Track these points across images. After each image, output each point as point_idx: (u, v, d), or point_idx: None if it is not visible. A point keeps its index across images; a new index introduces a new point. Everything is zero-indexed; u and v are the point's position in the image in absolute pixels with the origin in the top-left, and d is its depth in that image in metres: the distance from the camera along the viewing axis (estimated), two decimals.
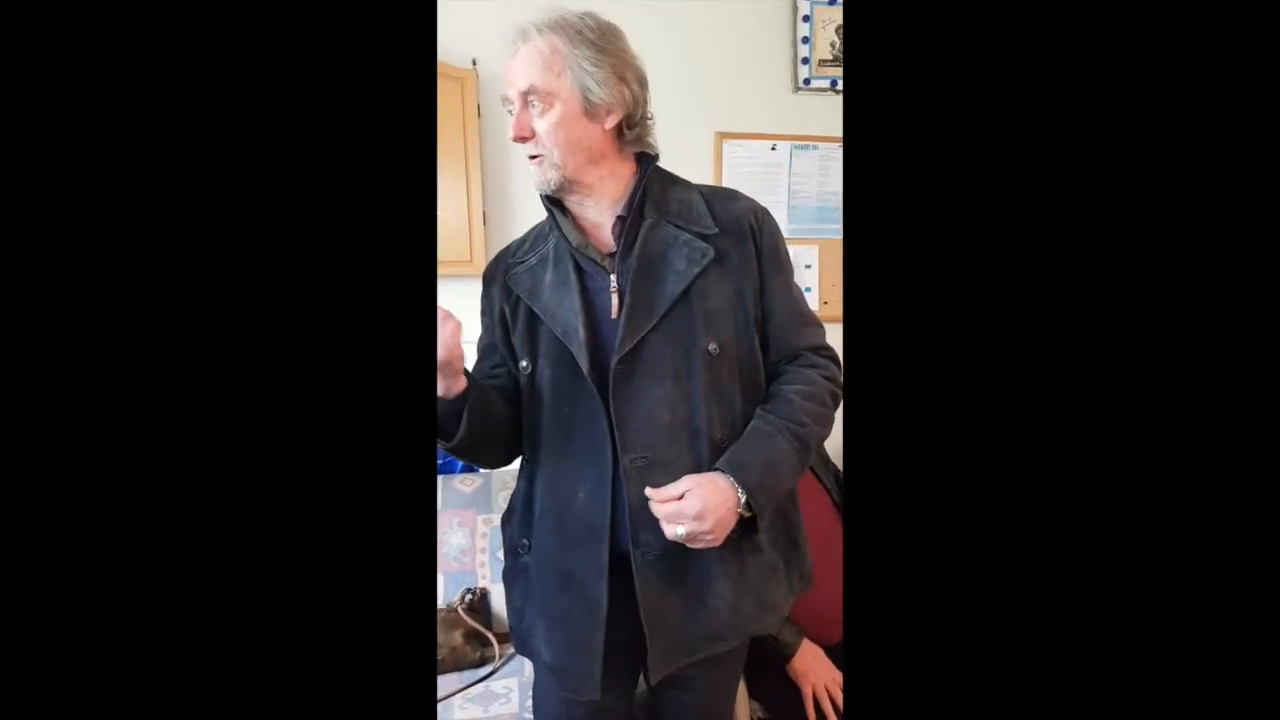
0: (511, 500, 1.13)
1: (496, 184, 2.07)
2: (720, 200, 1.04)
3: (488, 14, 1.96)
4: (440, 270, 1.98)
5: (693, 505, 0.91)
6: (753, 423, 1.00)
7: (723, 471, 0.95)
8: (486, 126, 2.02)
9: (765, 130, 2.19)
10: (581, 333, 0.97)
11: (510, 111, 0.96)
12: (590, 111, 0.95)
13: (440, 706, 1.52)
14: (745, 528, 0.99)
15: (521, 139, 0.95)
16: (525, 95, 0.94)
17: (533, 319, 1.03)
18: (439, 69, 1.92)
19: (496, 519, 1.98)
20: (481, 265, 2.00)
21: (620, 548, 0.98)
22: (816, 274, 2.25)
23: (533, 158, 0.96)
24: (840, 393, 1.08)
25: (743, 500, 0.94)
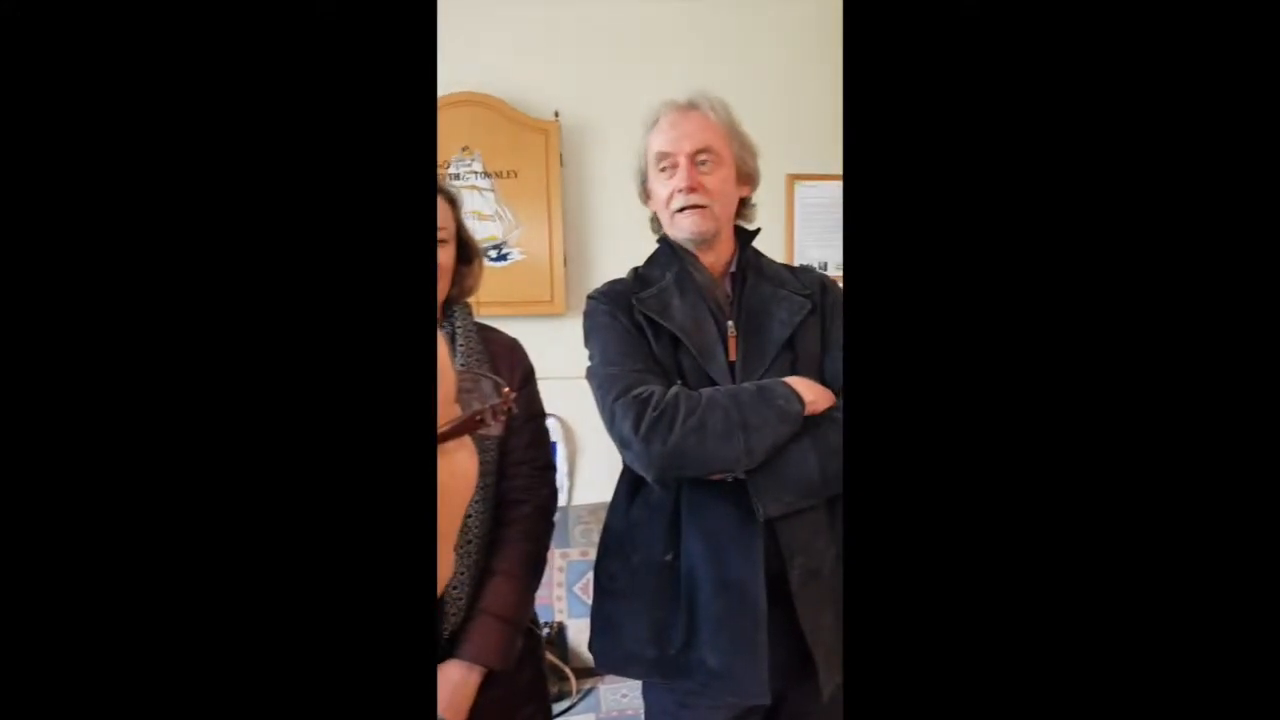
0: (633, 514, 1.14)
1: (576, 228, 2.15)
2: (797, 270, 1.20)
3: (568, 70, 2.07)
4: (524, 310, 2.07)
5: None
6: None
7: None
8: (568, 174, 2.10)
9: (838, 171, 2.16)
10: (719, 357, 1.06)
11: (665, 168, 1.10)
12: (742, 179, 1.12)
13: None
14: None
15: (692, 189, 1.08)
16: (694, 155, 1.08)
17: (671, 343, 1.09)
18: (526, 121, 2.03)
19: (574, 553, 1.99)
20: (562, 305, 2.10)
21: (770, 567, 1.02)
22: None
23: (695, 208, 1.07)
24: None
25: None
